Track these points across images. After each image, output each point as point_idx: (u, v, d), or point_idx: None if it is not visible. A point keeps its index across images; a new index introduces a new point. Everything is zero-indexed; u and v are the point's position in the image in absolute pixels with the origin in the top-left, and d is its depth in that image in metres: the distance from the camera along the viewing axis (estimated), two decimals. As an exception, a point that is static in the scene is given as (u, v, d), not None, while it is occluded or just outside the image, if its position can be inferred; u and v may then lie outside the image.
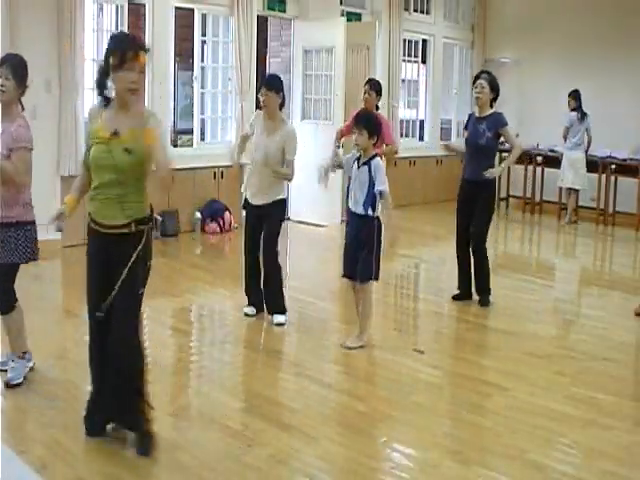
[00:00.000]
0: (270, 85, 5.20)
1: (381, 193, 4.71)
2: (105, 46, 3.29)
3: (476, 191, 5.86)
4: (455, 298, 6.06)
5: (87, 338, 3.48)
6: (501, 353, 5.13)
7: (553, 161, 10.40)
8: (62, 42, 7.19)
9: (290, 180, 5.48)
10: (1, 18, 6.57)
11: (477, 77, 5.94)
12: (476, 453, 3.60)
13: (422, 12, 11.32)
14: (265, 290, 5.40)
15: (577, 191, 10.14)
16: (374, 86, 6.62)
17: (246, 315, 5.46)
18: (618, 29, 10.37)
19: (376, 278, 4.89)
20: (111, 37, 3.39)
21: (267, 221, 5.31)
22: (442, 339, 5.40)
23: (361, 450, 3.58)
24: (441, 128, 12.05)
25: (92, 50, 8.43)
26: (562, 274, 8.00)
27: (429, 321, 5.83)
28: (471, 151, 5.92)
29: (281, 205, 5.40)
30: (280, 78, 5.41)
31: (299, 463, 3.41)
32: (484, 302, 5.96)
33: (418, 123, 11.73)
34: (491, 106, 5.86)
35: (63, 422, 3.68)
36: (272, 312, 5.37)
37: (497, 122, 5.81)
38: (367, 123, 4.77)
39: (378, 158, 4.83)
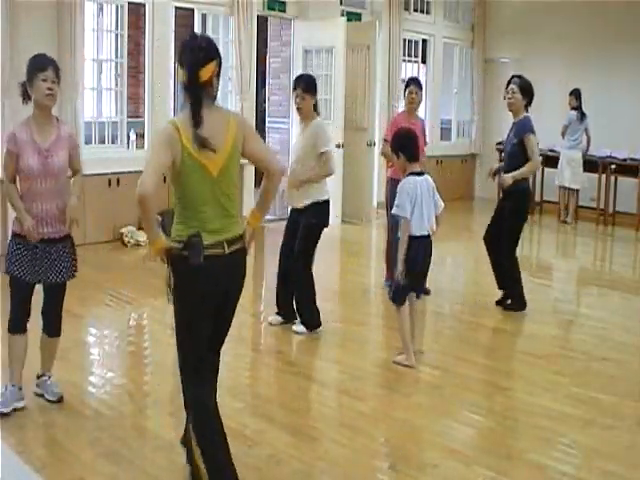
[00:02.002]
0: (307, 87, 5.06)
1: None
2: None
3: (503, 200, 5.85)
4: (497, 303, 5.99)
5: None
6: (501, 353, 5.13)
7: (553, 161, 10.39)
8: (62, 42, 7.20)
9: (328, 175, 5.13)
10: (1, 18, 6.57)
11: (509, 82, 5.75)
12: (476, 453, 3.60)
13: (422, 12, 11.32)
14: (294, 299, 5.28)
15: (576, 191, 10.13)
16: (419, 84, 6.50)
17: (270, 324, 5.35)
18: (618, 29, 10.36)
19: (395, 301, 4.69)
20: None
21: (300, 226, 5.11)
22: (442, 339, 5.40)
23: (361, 450, 3.58)
24: (441, 128, 12.05)
25: (92, 50, 8.45)
26: (562, 274, 8.00)
27: (429, 321, 5.82)
28: (504, 159, 5.87)
29: (316, 208, 5.06)
30: (314, 79, 5.28)
31: (299, 463, 3.41)
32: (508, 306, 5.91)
33: (423, 125, 11.70)
34: (526, 110, 5.68)
35: (63, 422, 3.68)
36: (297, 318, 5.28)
37: (521, 129, 5.62)
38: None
39: (404, 179, 4.66)
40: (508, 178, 5.61)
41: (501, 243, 5.82)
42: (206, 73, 2.88)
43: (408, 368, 4.59)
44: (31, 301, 3.78)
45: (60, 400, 3.88)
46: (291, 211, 5.26)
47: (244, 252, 3.04)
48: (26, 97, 3.64)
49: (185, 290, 2.93)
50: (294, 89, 5.13)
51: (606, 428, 3.87)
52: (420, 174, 4.64)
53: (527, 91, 5.67)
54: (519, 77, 5.79)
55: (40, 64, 3.60)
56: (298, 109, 5.13)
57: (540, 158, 5.61)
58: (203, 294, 2.93)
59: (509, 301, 5.91)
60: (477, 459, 3.51)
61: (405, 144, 4.68)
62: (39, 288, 3.82)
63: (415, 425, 3.88)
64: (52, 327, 3.87)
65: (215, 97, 2.96)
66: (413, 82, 6.47)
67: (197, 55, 2.88)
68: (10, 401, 3.73)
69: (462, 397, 4.26)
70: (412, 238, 4.55)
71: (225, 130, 2.92)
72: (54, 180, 3.65)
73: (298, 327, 5.21)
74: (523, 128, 5.61)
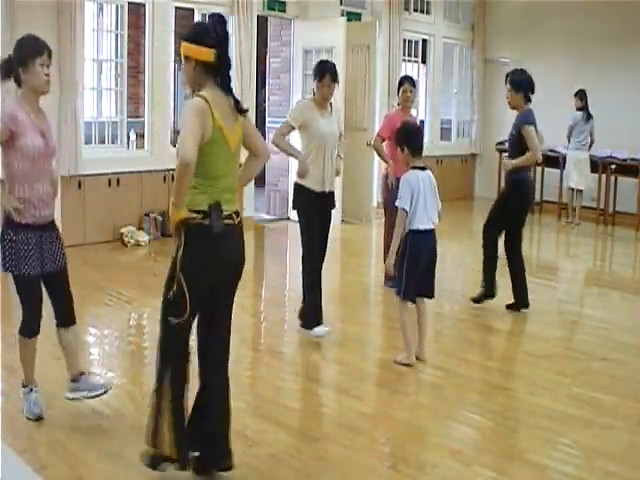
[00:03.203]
0: (336, 77, 5.04)
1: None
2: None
3: (505, 191, 5.86)
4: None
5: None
6: (501, 353, 5.13)
7: (553, 161, 10.39)
8: (62, 42, 7.19)
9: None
10: (1, 18, 6.57)
11: (505, 80, 5.76)
12: (476, 453, 3.60)
13: (422, 12, 11.32)
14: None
15: (581, 192, 10.12)
16: (413, 82, 6.51)
17: (318, 337, 5.06)
18: (618, 29, 10.36)
19: (399, 293, 4.64)
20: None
21: (328, 216, 5.09)
22: (442, 339, 5.39)
23: (361, 450, 3.57)
24: (441, 128, 12.06)
25: (92, 50, 8.45)
26: (562, 274, 8.00)
27: (429, 321, 5.81)
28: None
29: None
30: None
31: (299, 463, 3.40)
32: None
33: (418, 123, 11.72)
34: (527, 102, 5.65)
35: (63, 422, 3.68)
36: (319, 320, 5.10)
37: (520, 120, 5.63)
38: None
39: (407, 173, 4.65)
40: (509, 163, 5.71)
41: (508, 243, 5.83)
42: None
43: (408, 367, 4.58)
44: (42, 297, 3.68)
45: (109, 389, 3.86)
46: (313, 200, 4.98)
47: (242, 225, 3.18)
48: (16, 80, 3.55)
49: (199, 259, 2.98)
50: (322, 77, 5.00)
51: (607, 428, 3.87)
52: (423, 169, 4.64)
53: (519, 85, 5.65)
54: (511, 73, 5.81)
55: (37, 48, 3.53)
56: (326, 97, 5.05)
57: (541, 147, 5.62)
58: (222, 259, 3.03)
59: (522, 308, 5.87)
60: (477, 459, 3.51)
61: (410, 137, 4.67)
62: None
63: (415, 425, 3.88)
64: (68, 314, 3.78)
65: None
66: (407, 80, 6.50)
67: (225, 36, 3.10)
68: (38, 403, 3.68)
69: (462, 397, 4.25)
70: (416, 232, 4.54)
71: (233, 110, 3.07)
72: (50, 160, 3.68)
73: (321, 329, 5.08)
74: (522, 119, 5.62)
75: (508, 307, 5.86)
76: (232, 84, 3.12)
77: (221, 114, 2.96)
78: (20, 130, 3.49)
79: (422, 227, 4.55)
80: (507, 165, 5.73)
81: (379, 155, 6.52)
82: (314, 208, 5.00)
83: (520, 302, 5.83)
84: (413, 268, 4.55)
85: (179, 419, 3.09)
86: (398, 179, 4.86)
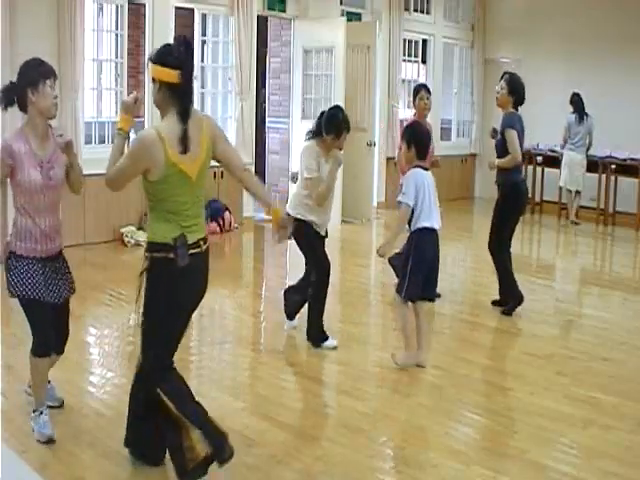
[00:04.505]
0: (349, 129, 4.96)
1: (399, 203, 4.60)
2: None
3: (498, 197, 5.88)
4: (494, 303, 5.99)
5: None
6: (501, 353, 5.13)
7: (553, 161, 10.40)
8: (62, 42, 7.19)
9: None
10: (1, 18, 6.57)
11: (501, 77, 5.81)
12: (476, 453, 3.60)
13: (422, 12, 11.32)
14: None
15: (578, 192, 10.10)
16: (429, 90, 6.51)
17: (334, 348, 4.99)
18: (618, 29, 10.36)
19: (401, 292, 4.58)
20: None
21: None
22: (442, 339, 5.39)
23: (361, 450, 3.57)
24: (441, 128, 12.05)
25: (92, 50, 8.45)
26: (562, 274, 8.00)
27: (429, 321, 5.82)
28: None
29: None
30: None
31: (299, 463, 3.40)
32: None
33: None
34: (515, 109, 5.71)
35: (63, 422, 3.68)
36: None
37: (503, 124, 5.69)
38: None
39: (412, 169, 4.62)
40: (492, 162, 5.80)
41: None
42: (192, 76, 3.03)
43: (418, 367, 4.58)
44: (51, 319, 3.55)
45: (61, 405, 3.84)
46: (321, 241, 5.04)
47: (208, 251, 3.18)
48: (21, 106, 3.43)
49: (168, 291, 3.00)
50: (339, 132, 4.88)
51: (606, 428, 3.87)
52: (426, 169, 4.65)
53: (515, 89, 5.69)
54: (511, 74, 5.83)
55: (46, 71, 3.42)
56: (338, 146, 4.91)
57: (520, 152, 5.63)
58: (188, 291, 3.06)
59: (504, 308, 5.85)
60: (477, 459, 3.51)
61: (421, 139, 4.67)
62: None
63: (415, 425, 3.88)
64: (63, 345, 3.73)
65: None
66: (423, 88, 6.50)
67: (191, 57, 3.03)
68: (48, 425, 3.56)
69: (462, 397, 4.25)
70: (422, 230, 4.53)
71: (200, 133, 3.03)
72: (56, 192, 3.51)
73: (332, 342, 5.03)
74: (505, 123, 5.67)
75: (493, 303, 5.96)
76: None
77: (177, 145, 2.92)
78: (17, 164, 3.36)
79: (428, 224, 4.53)
80: (490, 164, 5.81)
81: (403, 170, 6.46)
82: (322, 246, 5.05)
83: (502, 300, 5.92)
84: (418, 267, 4.52)
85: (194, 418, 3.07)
86: None
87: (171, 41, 3.17)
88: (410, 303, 4.64)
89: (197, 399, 3.17)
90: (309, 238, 4.96)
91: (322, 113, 5.05)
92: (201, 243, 3.07)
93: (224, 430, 3.11)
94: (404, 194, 4.52)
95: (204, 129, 3.06)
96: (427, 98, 6.36)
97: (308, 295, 5.04)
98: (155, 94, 3.03)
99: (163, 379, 3.13)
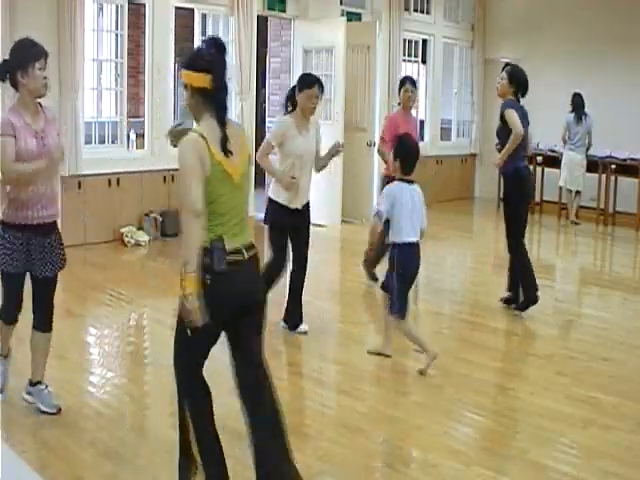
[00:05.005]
0: (322, 87, 5.06)
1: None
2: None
3: (505, 190, 5.87)
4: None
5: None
6: (501, 353, 5.13)
7: (553, 161, 10.40)
8: (62, 42, 7.20)
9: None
10: (1, 18, 6.57)
11: (502, 69, 5.79)
12: (476, 453, 3.60)
13: (422, 12, 11.32)
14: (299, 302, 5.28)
15: (578, 193, 10.10)
16: (414, 83, 6.50)
17: (301, 333, 5.18)
18: (618, 29, 10.36)
19: (398, 312, 4.57)
20: None
21: (305, 233, 5.16)
22: (442, 339, 5.39)
23: (361, 450, 3.58)
24: (441, 128, 12.06)
25: (92, 50, 8.45)
26: (562, 274, 8.00)
27: (429, 321, 5.83)
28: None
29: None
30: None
31: (299, 463, 3.40)
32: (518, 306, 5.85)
33: (418, 123, 11.71)
34: (517, 100, 5.66)
35: (63, 422, 3.68)
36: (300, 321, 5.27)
37: (502, 106, 5.61)
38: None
39: (393, 183, 4.65)
40: (497, 160, 5.71)
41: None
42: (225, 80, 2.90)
43: (432, 363, 4.56)
44: (23, 291, 3.74)
45: (58, 412, 3.78)
46: (286, 215, 5.03)
47: (258, 259, 3.02)
48: (13, 84, 3.55)
49: (204, 297, 2.79)
50: (301, 89, 5.02)
51: (606, 428, 3.87)
52: (411, 182, 4.61)
53: (515, 79, 5.66)
54: (512, 66, 5.82)
55: (36, 52, 3.52)
56: (311, 111, 5.06)
57: (521, 128, 5.50)
58: (224, 299, 2.86)
59: (513, 305, 5.84)
60: (477, 459, 3.51)
61: (408, 155, 4.60)
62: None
63: (415, 425, 3.88)
64: (46, 322, 3.80)
65: None
66: (408, 80, 6.50)
67: (222, 59, 2.87)
68: (5, 375, 3.88)
69: (462, 397, 4.25)
70: (402, 245, 4.51)
71: (240, 138, 2.94)
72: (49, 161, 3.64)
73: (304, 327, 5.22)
74: (504, 105, 5.61)
75: (502, 301, 5.95)
76: (229, 112, 2.95)
77: (219, 147, 2.81)
78: (17, 134, 3.51)
79: (407, 239, 4.51)
80: (497, 162, 5.71)
81: (382, 157, 6.50)
82: (288, 225, 5.05)
83: (513, 299, 5.89)
84: (404, 282, 4.55)
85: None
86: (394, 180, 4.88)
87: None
88: (384, 293, 4.69)
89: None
90: (276, 226, 5.07)
91: (291, 89, 5.17)
92: (243, 250, 2.89)
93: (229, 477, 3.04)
94: (377, 204, 4.56)
95: (244, 135, 3.02)
96: (412, 91, 6.37)
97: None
98: (187, 101, 2.90)
99: (191, 394, 3.05)
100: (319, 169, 5.23)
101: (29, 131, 3.55)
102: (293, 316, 5.23)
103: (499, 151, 5.73)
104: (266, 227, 5.20)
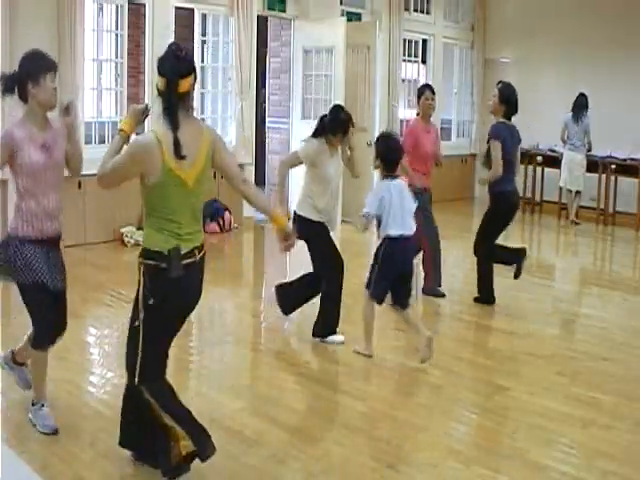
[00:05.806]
0: (353, 123, 5.15)
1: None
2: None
3: (489, 206, 5.99)
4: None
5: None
6: (501, 353, 5.13)
7: (553, 161, 10.40)
8: (62, 42, 7.19)
9: None
10: (1, 18, 6.57)
11: (496, 85, 5.87)
12: (476, 453, 3.60)
13: (422, 12, 11.32)
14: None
15: (578, 193, 10.10)
16: (433, 91, 6.48)
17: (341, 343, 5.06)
18: (618, 29, 10.35)
19: (368, 287, 4.72)
20: None
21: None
22: (442, 339, 5.39)
23: (361, 450, 3.58)
24: (441, 128, 12.04)
25: (92, 50, 8.45)
26: (562, 274, 8.00)
27: (429, 321, 5.82)
28: None
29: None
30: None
31: (299, 463, 3.41)
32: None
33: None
34: (508, 119, 5.76)
35: (63, 422, 3.67)
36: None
37: (489, 132, 5.76)
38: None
39: (380, 182, 4.86)
40: (482, 177, 5.94)
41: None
42: (185, 84, 2.98)
43: (369, 358, 4.69)
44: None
45: (55, 433, 3.58)
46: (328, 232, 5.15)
47: (204, 259, 3.20)
48: (22, 96, 3.48)
49: (161, 300, 3.00)
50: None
51: (606, 428, 3.87)
52: (394, 177, 4.75)
53: (505, 99, 5.73)
54: (504, 84, 5.86)
55: (47, 65, 3.48)
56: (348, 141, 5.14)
57: (501, 165, 5.61)
58: (180, 301, 3.07)
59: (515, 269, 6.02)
60: (477, 459, 3.51)
61: (387, 157, 4.76)
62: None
63: (415, 425, 3.88)
64: (60, 336, 3.70)
65: (191, 108, 3.04)
66: (428, 88, 6.42)
67: (180, 65, 3.01)
68: (51, 417, 3.61)
69: (462, 397, 4.26)
70: (389, 239, 4.67)
71: (199, 140, 3.01)
72: (57, 171, 3.59)
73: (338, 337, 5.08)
74: (490, 134, 5.73)
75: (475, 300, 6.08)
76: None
77: (172, 151, 2.89)
78: (19, 147, 3.44)
79: (394, 233, 4.64)
80: (480, 181, 5.94)
81: (402, 168, 6.47)
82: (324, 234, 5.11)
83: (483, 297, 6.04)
84: (383, 274, 4.65)
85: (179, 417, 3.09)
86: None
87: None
88: (377, 305, 4.76)
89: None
90: (317, 237, 5.02)
91: (322, 117, 5.08)
92: (196, 252, 3.07)
93: (206, 428, 3.13)
94: (366, 204, 4.70)
95: (204, 136, 3.05)
96: (432, 99, 6.33)
97: (322, 292, 5.08)
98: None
99: (149, 378, 3.16)
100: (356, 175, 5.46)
101: (35, 144, 3.47)
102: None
103: (483, 165, 5.94)
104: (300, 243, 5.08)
